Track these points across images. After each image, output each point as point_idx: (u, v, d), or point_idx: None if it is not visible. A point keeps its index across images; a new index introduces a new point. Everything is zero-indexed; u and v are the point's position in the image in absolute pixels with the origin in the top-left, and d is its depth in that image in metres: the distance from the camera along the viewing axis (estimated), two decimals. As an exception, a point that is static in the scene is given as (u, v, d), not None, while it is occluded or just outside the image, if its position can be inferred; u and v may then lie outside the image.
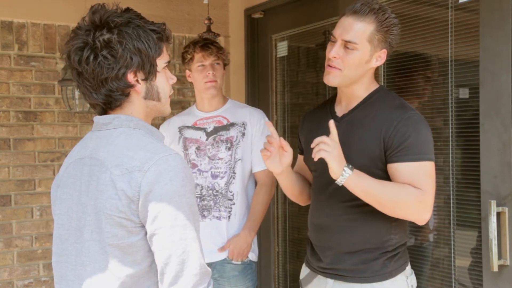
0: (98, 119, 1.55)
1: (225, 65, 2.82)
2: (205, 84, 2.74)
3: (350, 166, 1.82)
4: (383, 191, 1.83)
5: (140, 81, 1.49)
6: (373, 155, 1.90)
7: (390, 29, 1.91)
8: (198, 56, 2.75)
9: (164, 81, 1.56)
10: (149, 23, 1.50)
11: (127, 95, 1.50)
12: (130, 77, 1.47)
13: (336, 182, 1.83)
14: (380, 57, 1.94)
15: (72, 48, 1.46)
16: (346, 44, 1.90)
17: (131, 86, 1.48)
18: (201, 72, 2.74)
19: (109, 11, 1.48)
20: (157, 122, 3.34)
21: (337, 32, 1.93)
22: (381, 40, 1.91)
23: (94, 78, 1.45)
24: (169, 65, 1.60)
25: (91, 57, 1.44)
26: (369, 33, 1.89)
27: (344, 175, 1.80)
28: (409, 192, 1.82)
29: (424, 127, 1.89)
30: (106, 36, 1.44)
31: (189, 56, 2.78)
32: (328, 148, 1.80)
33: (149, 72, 1.50)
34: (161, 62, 1.54)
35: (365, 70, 1.94)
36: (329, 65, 1.94)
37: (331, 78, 1.94)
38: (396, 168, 1.87)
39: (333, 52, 1.91)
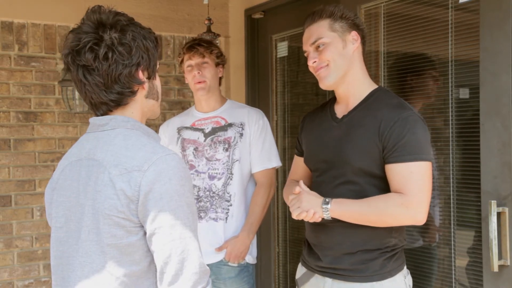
0: (94, 120, 1.56)
1: (218, 64, 2.79)
2: (194, 86, 2.76)
3: (326, 199, 1.92)
4: (367, 209, 1.88)
5: (145, 79, 1.53)
6: (373, 156, 1.91)
7: (343, 14, 2.00)
8: (186, 57, 2.77)
9: (159, 82, 1.62)
10: (145, 27, 1.56)
11: (135, 92, 1.52)
12: (140, 74, 1.51)
13: (326, 219, 1.93)
14: (354, 39, 2.00)
15: (85, 45, 1.45)
16: (316, 45, 2.00)
17: (142, 83, 1.51)
18: (190, 73, 2.76)
19: (112, 12, 1.50)
20: (157, 122, 3.34)
21: (304, 46, 2.05)
22: (342, 26, 1.99)
23: (109, 74, 1.46)
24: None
25: (109, 54, 1.45)
26: (327, 25, 1.99)
27: (326, 211, 1.91)
28: (393, 203, 1.85)
29: (421, 128, 1.89)
30: (120, 34, 1.46)
31: (180, 59, 2.83)
32: (296, 204, 1.95)
33: (152, 71, 1.55)
34: (157, 63, 1.60)
35: (349, 56, 1.99)
36: (316, 70, 2.01)
37: (325, 80, 2.00)
38: (391, 169, 1.88)
39: (311, 58, 2.01)
